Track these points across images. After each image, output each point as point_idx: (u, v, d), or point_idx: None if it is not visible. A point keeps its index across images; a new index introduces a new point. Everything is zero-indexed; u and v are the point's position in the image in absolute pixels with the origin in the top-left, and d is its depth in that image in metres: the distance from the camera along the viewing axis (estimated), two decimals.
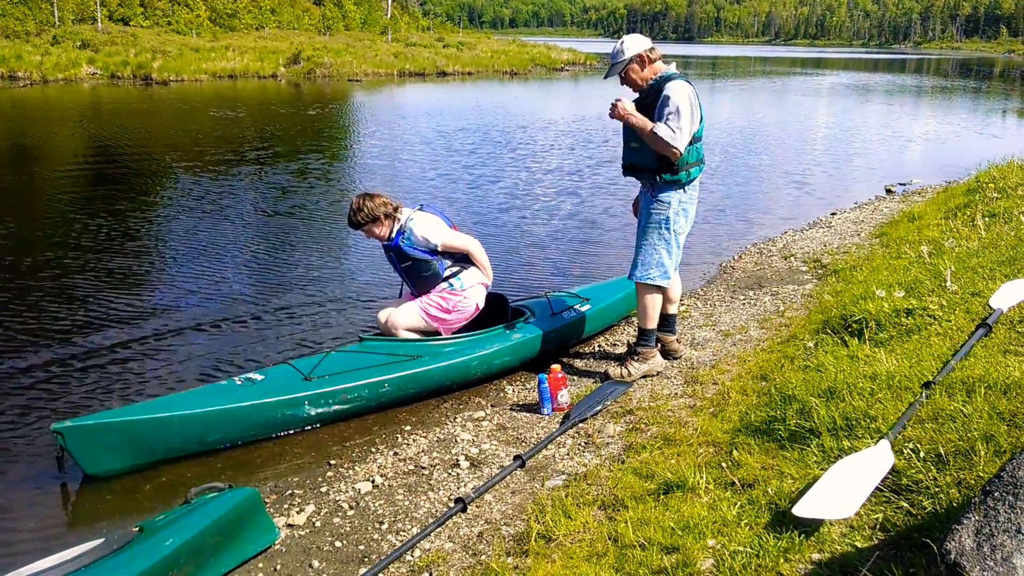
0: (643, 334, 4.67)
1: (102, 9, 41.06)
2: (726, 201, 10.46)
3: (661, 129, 4.18)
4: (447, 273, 4.84)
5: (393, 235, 4.72)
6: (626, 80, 4.42)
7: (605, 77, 4.49)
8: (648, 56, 4.34)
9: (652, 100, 4.30)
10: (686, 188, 4.43)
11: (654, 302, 4.59)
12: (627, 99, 4.34)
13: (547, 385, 4.28)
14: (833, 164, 13.82)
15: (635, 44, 4.33)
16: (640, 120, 4.27)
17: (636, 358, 4.67)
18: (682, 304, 6.11)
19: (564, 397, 4.32)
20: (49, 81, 28.09)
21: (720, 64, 63.94)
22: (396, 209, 4.73)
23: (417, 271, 4.76)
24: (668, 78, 4.30)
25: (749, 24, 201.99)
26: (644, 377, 4.66)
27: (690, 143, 4.32)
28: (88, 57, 30.96)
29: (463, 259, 4.88)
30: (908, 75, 50.67)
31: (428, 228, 4.67)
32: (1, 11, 35.71)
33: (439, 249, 4.71)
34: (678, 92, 4.20)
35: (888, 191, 11.16)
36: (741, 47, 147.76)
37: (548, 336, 5.03)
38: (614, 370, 4.68)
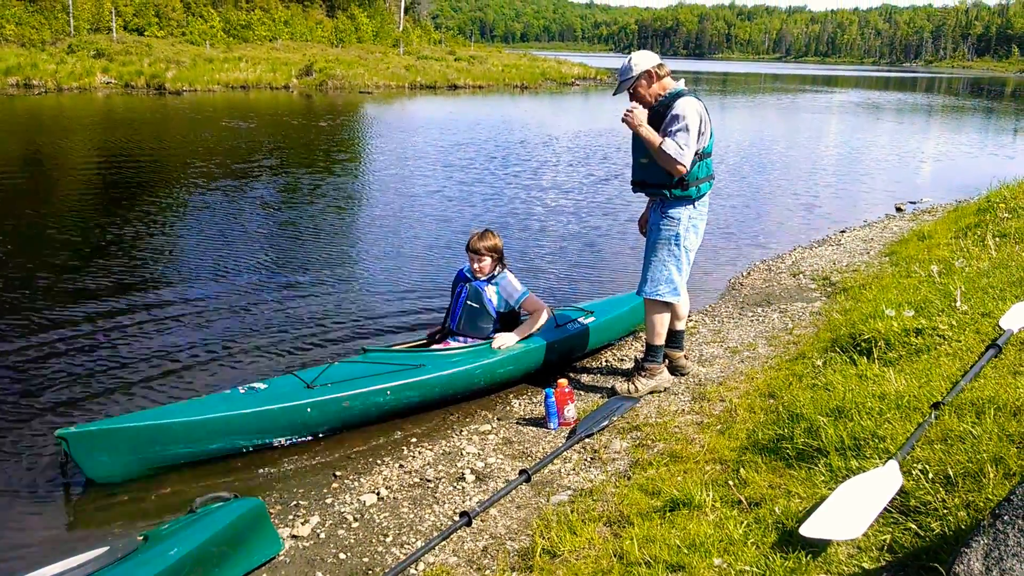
0: (650, 350, 4.66)
1: (117, 19, 41.49)
2: (735, 218, 10.44)
3: (668, 145, 4.19)
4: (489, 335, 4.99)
5: (484, 277, 4.90)
6: (635, 96, 4.42)
7: (614, 94, 4.50)
8: (657, 72, 4.35)
9: (661, 116, 4.31)
10: (696, 204, 4.42)
11: (662, 319, 4.58)
12: (641, 111, 4.35)
13: (554, 399, 4.28)
14: (843, 182, 13.80)
15: (644, 60, 4.34)
16: (649, 132, 4.28)
17: (643, 374, 4.66)
18: (690, 320, 6.09)
19: (571, 412, 4.31)
20: (64, 89, 28.35)
21: (731, 81, 64.07)
22: (504, 259, 5.00)
23: (473, 316, 4.90)
24: (678, 94, 4.30)
25: (760, 41, 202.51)
26: (651, 393, 4.65)
27: (700, 158, 4.32)
28: (103, 66, 31.24)
29: (506, 331, 4.99)
30: (919, 94, 50.65)
31: (517, 283, 4.93)
32: (17, 20, 36.12)
33: (518, 304, 4.92)
34: (688, 108, 4.21)
35: (898, 209, 11.14)
36: (752, 64, 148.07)
37: (552, 348, 5.03)
38: (621, 385, 4.67)
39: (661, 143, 4.21)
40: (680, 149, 4.18)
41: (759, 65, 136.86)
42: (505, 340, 4.83)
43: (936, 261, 6.03)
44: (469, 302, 4.89)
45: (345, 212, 10.48)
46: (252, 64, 35.69)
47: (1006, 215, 7.37)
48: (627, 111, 4.34)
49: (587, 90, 42.39)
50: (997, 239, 6.43)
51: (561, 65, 51.30)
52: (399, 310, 6.46)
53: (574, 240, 9.09)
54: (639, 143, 4.41)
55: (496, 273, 4.92)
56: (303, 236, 8.97)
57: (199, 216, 9.68)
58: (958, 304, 4.45)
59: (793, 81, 65.47)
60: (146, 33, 42.94)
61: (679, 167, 4.21)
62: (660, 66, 4.36)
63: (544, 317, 4.97)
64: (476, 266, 4.85)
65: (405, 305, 6.60)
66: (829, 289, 6.70)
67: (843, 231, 9.59)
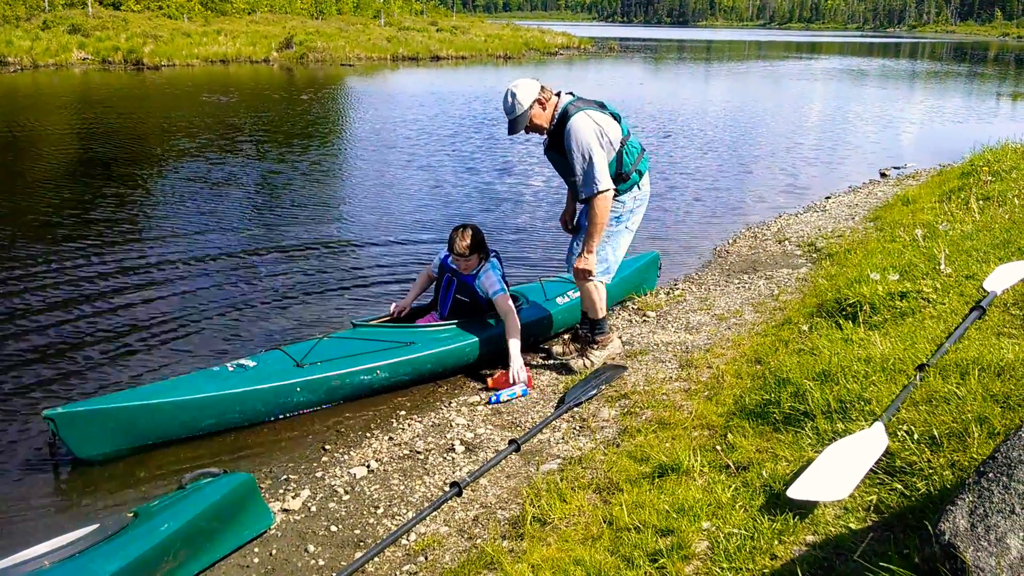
0: (596, 324, 4.68)
1: None
2: (720, 185, 10.43)
3: (591, 190, 4.16)
4: None
5: (472, 272, 4.76)
6: (532, 128, 4.33)
7: (509, 134, 4.35)
8: (543, 97, 4.27)
9: (559, 136, 4.26)
10: (640, 185, 4.47)
11: (599, 291, 4.57)
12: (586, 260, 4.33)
13: (496, 388, 4.44)
14: (827, 148, 13.80)
15: (528, 91, 4.23)
16: (592, 236, 4.27)
17: (595, 347, 4.71)
18: (676, 288, 6.12)
19: (512, 391, 4.39)
20: (40, 66, 27.82)
21: (715, 48, 63.67)
22: (487, 249, 4.82)
23: (463, 308, 4.79)
24: (567, 113, 4.24)
25: (744, 8, 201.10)
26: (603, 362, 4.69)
27: (621, 144, 4.31)
28: (79, 42, 30.64)
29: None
30: (903, 59, 50.53)
31: (495, 281, 4.72)
32: None
33: (491, 298, 4.72)
34: (580, 131, 4.15)
35: (882, 175, 11.16)
36: (736, 31, 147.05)
37: (542, 322, 5.02)
38: (576, 363, 4.69)
39: (592, 208, 4.18)
40: (598, 180, 4.14)
41: (743, 32, 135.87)
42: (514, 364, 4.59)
43: (920, 225, 6.05)
44: (459, 296, 4.79)
45: (329, 184, 10.40)
46: (231, 38, 35.06)
47: (989, 178, 7.40)
48: (578, 271, 4.38)
49: (571, 59, 42.02)
50: (980, 202, 6.46)
51: (544, 34, 50.78)
52: (384, 280, 6.45)
53: (557, 208, 9.04)
54: (563, 165, 4.36)
55: (481, 266, 4.76)
56: (286, 208, 8.89)
57: (181, 191, 9.58)
58: (942, 267, 4.47)
59: (778, 48, 65.14)
60: (122, 7, 42.07)
61: (607, 193, 4.18)
62: (543, 89, 4.28)
63: (514, 321, 4.70)
64: (463, 264, 4.70)
65: (389, 275, 6.58)
66: (815, 255, 6.72)
67: (828, 197, 9.61)
